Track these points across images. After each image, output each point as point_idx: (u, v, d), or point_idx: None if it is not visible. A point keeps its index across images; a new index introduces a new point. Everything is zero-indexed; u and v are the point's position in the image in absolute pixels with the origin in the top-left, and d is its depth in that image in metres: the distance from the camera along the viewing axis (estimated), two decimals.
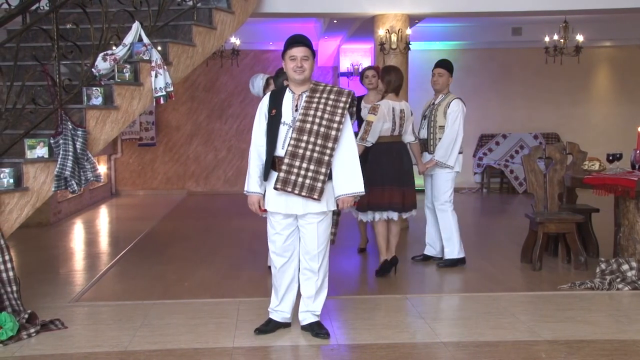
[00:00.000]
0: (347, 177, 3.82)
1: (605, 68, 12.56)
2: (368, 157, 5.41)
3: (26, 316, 4.06)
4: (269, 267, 4.33)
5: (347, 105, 3.81)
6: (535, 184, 5.91)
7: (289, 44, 3.84)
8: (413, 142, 5.62)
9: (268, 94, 3.95)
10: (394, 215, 5.42)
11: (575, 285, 5.06)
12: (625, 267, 5.13)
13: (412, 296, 4.89)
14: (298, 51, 3.79)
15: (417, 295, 4.97)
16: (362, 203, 5.33)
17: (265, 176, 3.87)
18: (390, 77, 5.46)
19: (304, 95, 3.84)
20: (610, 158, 5.53)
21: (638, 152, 5.43)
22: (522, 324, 4.16)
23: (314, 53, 3.87)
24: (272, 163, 3.84)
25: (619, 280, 5.04)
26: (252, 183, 3.92)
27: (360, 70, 6.14)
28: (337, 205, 3.89)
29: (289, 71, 3.83)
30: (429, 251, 6.11)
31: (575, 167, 6.21)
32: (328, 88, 3.87)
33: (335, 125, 3.76)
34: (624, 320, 4.25)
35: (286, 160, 3.75)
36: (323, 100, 3.81)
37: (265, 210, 3.97)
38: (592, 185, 5.36)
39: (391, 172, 5.38)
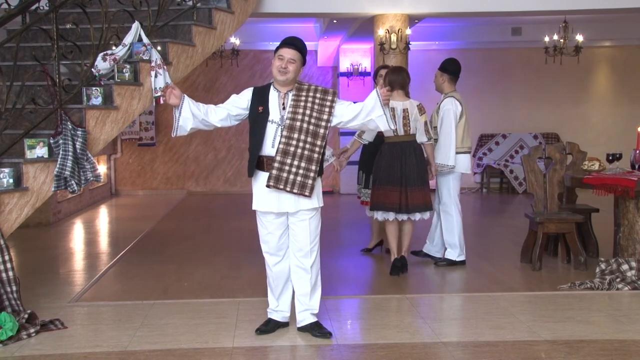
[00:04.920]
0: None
1: (605, 68, 12.56)
2: (375, 157, 5.58)
3: (26, 316, 4.06)
4: None
5: (334, 104, 3.84)
6: (535, 184, 5.91)
7: (282, 43, 3.87)
8: (426, 143, 5.52)
9: (251, 89, 3.96)
10: (400, 217, 5.45)
11: (575, 285, 5.06)
12: (625, 267, 5.13)
13: (412, 296, 4.89)
14: (286, 52, 3.81)
15: (417, 295, 4.97)
16: (370, 202, 5.57)
17: (251, 173, 3.89)
18: (391, 77, 5.48)
19: (290, 94, 3.86)
20: (610, 158, 5.53)
21: (638, 152, 5.43)
22: (521, 324, 4.16)
23: (304, 58, 3.87)
24: (258, 162, 3.85)
25: (618, 280, 5.04)
26: (191, 101, 3.89)
27: (374, 69, 6.14)
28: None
29: (274, 69, 3.84)
30: (426, 249, 6.15)
31: (575, 167, 6.21)
32: (313, 87, 3.90)
33: (323, 124, 3.80)
34: (624, 320, 4.25)
35: (278, 158, 3.75)
36: (310, 99, 3.83)
37: (163, 95, 3.96)
38: (592, 185, 5.36)
39: (392, 172, 5.38)
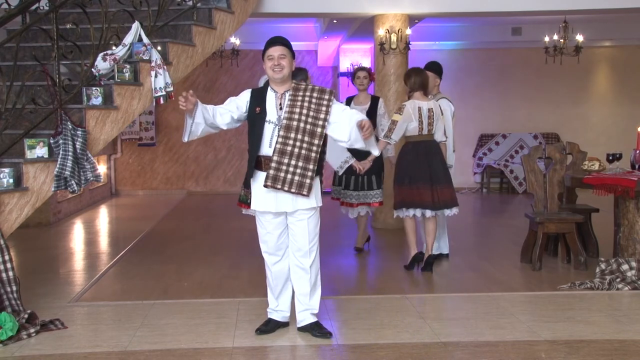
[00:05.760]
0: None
1: (605, 68, 12.56)
2: (398, 156, 5.70)
3: (26, 316, 4.06)
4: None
5: (331, 103, 3.84)
6: (535, 184, 5.91)
7: (266, 45, 3.89)
8: (442, 142, 5.65)
9: (249, 90, 3.97)
10: (426, 213, 5.52)
11: (575, 285, 5.06)
12: (625, 267, 5.13)
13: (412, 296, 4.89)
14: (274, 50, 3.83)
15: (417, 295, 4.97)
16: (395, 200, 5.63)
17: (250, 174, 3.90)
18: (412, 79, 5.56)
19: (287, 94, 3.87)
20: (610, 158, 5.54)
21: (638, 152, 5.43)
22: (521, 324, 4.16)
23: (292, 52, 3.90)
24: (257, 162, 3.86)
25: (618, 280, 5.04)
26: (203, 107, 3.86)
27: (353, 71, 6.19)
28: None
29: (268, 71, 3.86)
30: (435, 249, 6.20)
31: (575, 167, 6.20)
32: (310, 87, 3.91)
33: (320, 123, 3.81)
34: (624, 320, 4.25)
35: (275, 158, 3.76)
36: (307, 99, 3.84)
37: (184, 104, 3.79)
38: (592, 185, 5.36)
39: (419, 170, 5.49)
